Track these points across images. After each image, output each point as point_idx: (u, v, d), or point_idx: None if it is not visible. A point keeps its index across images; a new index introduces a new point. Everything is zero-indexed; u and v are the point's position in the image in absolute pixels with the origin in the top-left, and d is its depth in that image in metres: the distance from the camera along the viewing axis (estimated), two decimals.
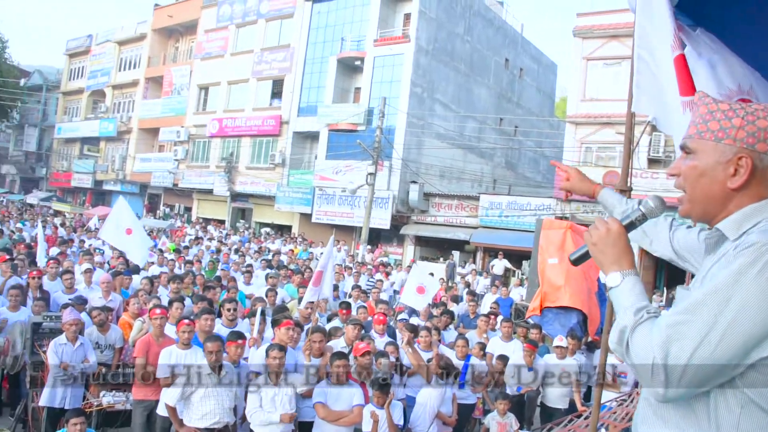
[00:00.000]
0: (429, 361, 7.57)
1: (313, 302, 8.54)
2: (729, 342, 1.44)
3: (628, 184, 3.77)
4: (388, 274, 19.03)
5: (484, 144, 31.30)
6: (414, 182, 27.55)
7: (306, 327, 7.87)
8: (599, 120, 24.50)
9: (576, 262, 1.97)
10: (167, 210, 39.12)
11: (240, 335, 6.55)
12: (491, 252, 25.33)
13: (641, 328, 1.57)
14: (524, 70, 36.38)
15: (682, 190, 1.79)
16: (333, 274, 9.45)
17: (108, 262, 13.80)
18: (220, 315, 8.09)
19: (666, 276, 24.29)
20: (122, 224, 11.75)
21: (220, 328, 7.47)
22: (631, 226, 1.87)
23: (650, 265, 23.85)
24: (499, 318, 10.59)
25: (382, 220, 27.34)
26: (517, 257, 23.94)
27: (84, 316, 7.75)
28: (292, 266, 16.73)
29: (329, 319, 9.30)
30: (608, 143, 24.44)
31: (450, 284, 19.91)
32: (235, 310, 8.06)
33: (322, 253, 19.38)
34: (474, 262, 26.22)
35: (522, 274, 22.25)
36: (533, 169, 35.82)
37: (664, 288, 22.60)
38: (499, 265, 22.45)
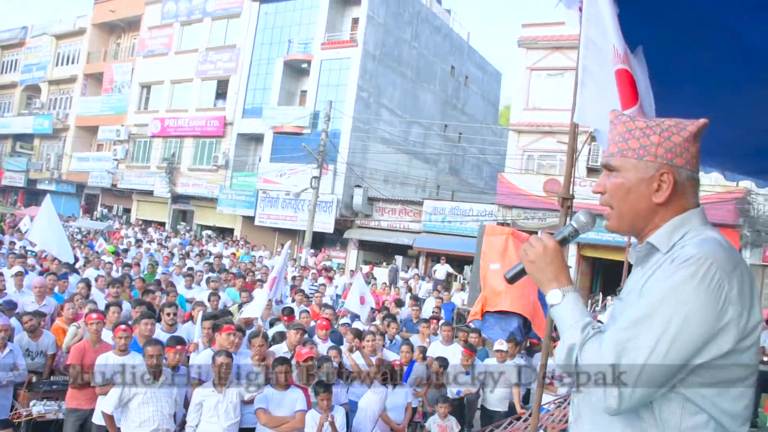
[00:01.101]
0: None
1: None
2: (676, 352, 1.53)
3: (571, 192, 3.84)
4: (331, 279, 18.91)
5: (428, 150, 31.41)
6: (358, 186, 27.46)
7: (248, 332, 7.75)
8: (541, 129, 25.04)
9: (512, 280, 1.99)
10: (105, 211, 37.96)
11: (180, 340, 6.39)
12: (434, 257, 25.39)
13: (589, 344, 1.62)
14: (469, 78, 36.72)
15: (609, 206, 1.83)
16: (283, 281, 9.20)
17: (41, 264, 13.29)
18: (159, 319, 7.89)
19: (602, 281, 25.05)
20: (48, 223, 11.53)
21: (160, 333, 7.28)
22: (564, 242, 1.91)
23: (587, 270, 24.62)
24: (441, 322, 10.60)
25: (325, 224, 27.16)
26: (459, 262, 24.04)
27: (14, 321, 7.41)
28: (233, 270, 16.39)
29: (272, 324, 9.19)
30: (550, 151, 25.00)
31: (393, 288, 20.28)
32: (175, 314, 7.88)
33: (262, 256, 18.35)
34: (417, 266, 26.29)
35: (464, 279, 22.36)
36: (476, 176, 36.10)
37: (600, 293, 23.28)
38: (442, 269, 22.49)
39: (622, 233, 1.88)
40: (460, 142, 34.01)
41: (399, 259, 26.60)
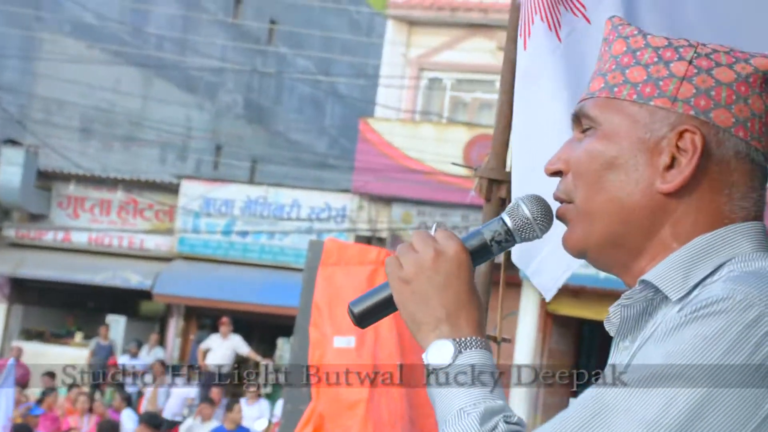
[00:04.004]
0: None
1: None
2: None
3: (507, 168, 2.38)
4: None
5: (194, 60, 18.22)
6: (14, 143, 16.21)
7: None
8: (461, 18, 14.91)
9: (362, 318, 1.07)
10: None
11: None
12: (204, 316, 16.76)
13: None
14: None
15: (568, 200, 1.05)
16: None
17: None
18: None
19: (597, 358, 14.79)
20: None
21: None
22: (482, 252, 1.06)
23: (566, 345, 14.73)
24: None
25: None
26: (263, 332, 16.26)
27: None
28: None
29: None
30: (478, 70, 15.02)
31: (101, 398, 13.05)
32: None
33: None
34: (162, 341, 16.46)
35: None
36: (311, 126, 22.46)
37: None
38: (222, 347, 14.16)
39: (591, 259, 1.06)
40: (273, 41, 20.53)
41: (119, 324, 16.26)
